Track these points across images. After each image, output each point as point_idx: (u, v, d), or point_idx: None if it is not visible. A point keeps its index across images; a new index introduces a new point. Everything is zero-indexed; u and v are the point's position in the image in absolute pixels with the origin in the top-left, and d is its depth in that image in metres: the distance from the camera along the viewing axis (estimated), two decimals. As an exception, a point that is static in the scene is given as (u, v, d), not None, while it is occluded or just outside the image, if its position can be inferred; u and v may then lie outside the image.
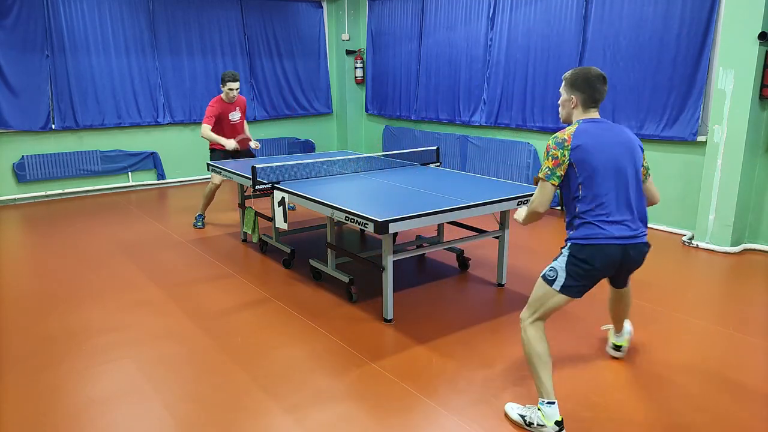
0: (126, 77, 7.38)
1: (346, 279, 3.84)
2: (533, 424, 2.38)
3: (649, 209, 6.01)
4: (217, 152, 5.72)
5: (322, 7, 8.98)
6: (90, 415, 2.57)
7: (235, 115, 5.71)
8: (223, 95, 5.62)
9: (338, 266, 4.06)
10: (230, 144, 5.51)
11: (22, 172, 6.82)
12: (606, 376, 2.86)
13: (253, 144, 5.79)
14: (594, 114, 2.44)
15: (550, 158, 2.35)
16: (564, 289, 2.39)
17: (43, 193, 7.04)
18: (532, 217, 2.54)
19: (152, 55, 7.53)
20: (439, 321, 3.51)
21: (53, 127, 6.96)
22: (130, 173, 7.62)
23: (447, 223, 4.09)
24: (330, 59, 9.23)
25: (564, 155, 2.32)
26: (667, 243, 5.14)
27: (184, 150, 7.97)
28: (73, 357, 3.10)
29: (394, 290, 3.65)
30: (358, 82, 9.21)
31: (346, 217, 3.29)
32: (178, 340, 3.29)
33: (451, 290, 4.04)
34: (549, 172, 2.36)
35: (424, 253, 4.77)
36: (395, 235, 4.53)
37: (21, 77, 6.68)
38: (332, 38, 9.19)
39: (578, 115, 2.45)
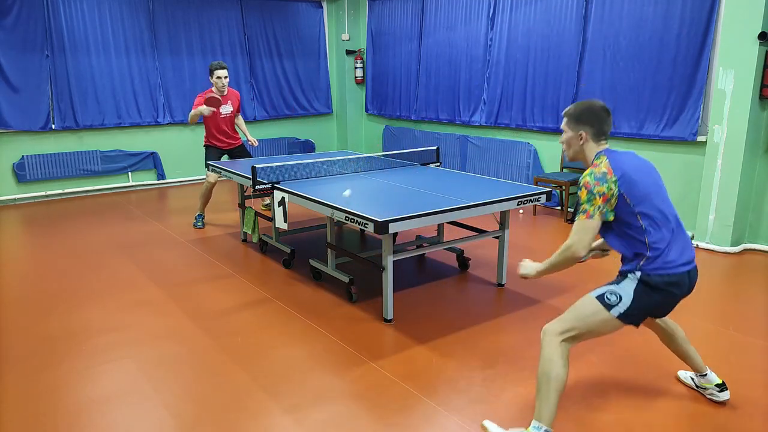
0: (126, 77, 7.38)
1: (346, 279, 3.84)
2: None
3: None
4: (212, 149, 5.72)
5: (322, 7, 8.98)
6: (90, 415, 2.57)
7: (226, 108, 5.64)
8: (213, 88, 5.56)
9: (338, 266, 4.06)
10: (203, 109, 5.32)
11: (22, 172, 6.82)
12: (606, 376, 2.86)
13: (251, 141, 5.87)
14: (606, 146, 2.32)
15: (597, 196, 2.13)
16: (625, 317, 2.19)
17: (43, 193, 7.04)
18: (564, 262, 2.33)
19: (152, 55, 7.53)
20: (439, 321, 3.51)
21: (53, 127, 6.97)
22: (130, 173, 7.62)
23: (447, 223, 4.09)
24: (330, 59, 9.23)
25: (611, 189, 2.13)
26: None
27: (184, 150, 7.98)
28: (73, 357, 3.10)
29: (394, 290, 3.65)
30: (358, 82, 9.21)
31: (346, 217, 3.29)
32: (178, 340, 3.29)
33: (451, 290, 4.04)
34: (604, 210, 2.15)
35: (424, 253, 4.77)
36: (395, 235, 4.53)
37: (21, 77, 6.68)
38: (332, 38, 9.19)
39: (592, 149, 2.31)
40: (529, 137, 6.68)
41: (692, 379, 2.71)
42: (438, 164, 5.02)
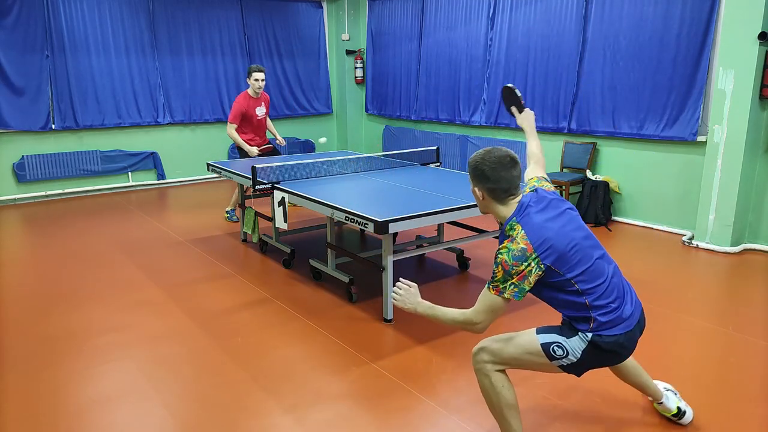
0: (126, 77, 7.38)
1: (346, 279, 3.84)
2: None
3: (650, 209, 6.01)
4: (245, 152, 5.79)
5: (322, 7, 8.98)
6: (90, 415, 2.57)
7: (261, 110, 5.76)
8: (249, 90, 5.66)
9: (338, 266, 4.06)
10: (253, 151, 5.62)
11: (22, 172, 6.82)
12: (606, 375, 2.86)
13: (279, 141, 5.95)
14: (515, 202, 2.01)
15: (513, 276, 1.89)
16: (568, 369, 2.03)
17: (43, 193, 7.04)
18: (457, 327, 2.12)
19: (152, 55, 7.53)
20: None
21: (53, 127, 6.97)
22: (130, 173, 7.62)
23: (447, 223, 4.09)
24: (330, 59, 9.23)
25: (530, 266, 1.89)
26: (667, 243, 5.14)
27: (184, 150, 7.98)
28: (73, 357, 3.10)
29: (394, 290, 3.64)
30: (358, 82, 9.21)
31: (346, 217, 3.29)
32: (178, 340, 3.29)
33: (451, 290, 4.04)
34: (516, 290, 1.90)
35: (424, 253, 4.77)
36: (395, 235, 4.53)
37: (21, 77, 6.68)
38: (332, 38, 9.19)
39: (499, 208, 2.04)
40: (529, 137, 6.67)
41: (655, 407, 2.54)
42: (438, 164, 5.02)
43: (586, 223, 5.75)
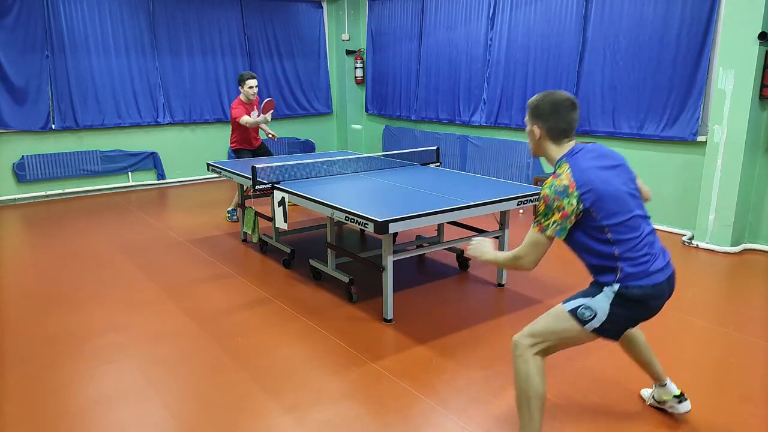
0: (126, 77, 7.38)
1: (346, 279, 3.84)
2: None
3: (650, 209, 6.00)
4: (244, 152, 5.82)
5: (322, 7, 8.98)
6: (91, 415, 2.57)
7: (254, 114, 5.83)
8: (242, 96, 5.71)
9: (338, 266, 4.06)
10: (267, 117, 5.66)
11: (22, 172, 6.82)
12: (606, 375, 2.86)
13: (271, 136, 5.98)
14: (569, 145, 2.09)
15: (555, 211, 1.95)
16: (601, 331, 2.05)
17: (43, 193, 7.04)
18: (511, 267, 2.13)
19: (152, 56, 7.53)
20: (439, 321, 3.51)
21: (53, 127, 6.97)
22: (130, 173, 7.62)
23: (447, 223, 4.09)
24: (330, 59, 9.23)
25: (572, 204, 1.94)
26: (667, 243, 5.13)
27: (184, 150, 7.98)
28: (73, 357, 3.10)
29: (394, 290, 3.65)
30: (358, 82, 9.21)
31: (346, 217, 3.29)
32: (178, 340, 3.29)
33: (451, 290, 4.04)
34: (558, 228, 1.97)
35: (424, 253, 4.77)
36: (395, 235, 4.53)
37: (21, 77, 6.68)
38: (332, 38, 9.19)
39: (552, 148, 2.10)
40: (529, 137, 6.67)
41: (652, 396, 2.57)
42: (438, 164, 5.02)
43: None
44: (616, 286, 2.00)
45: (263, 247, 4.94)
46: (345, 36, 9.04)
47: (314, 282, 4.19)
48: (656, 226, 5.54)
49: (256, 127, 5.90)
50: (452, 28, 7.43)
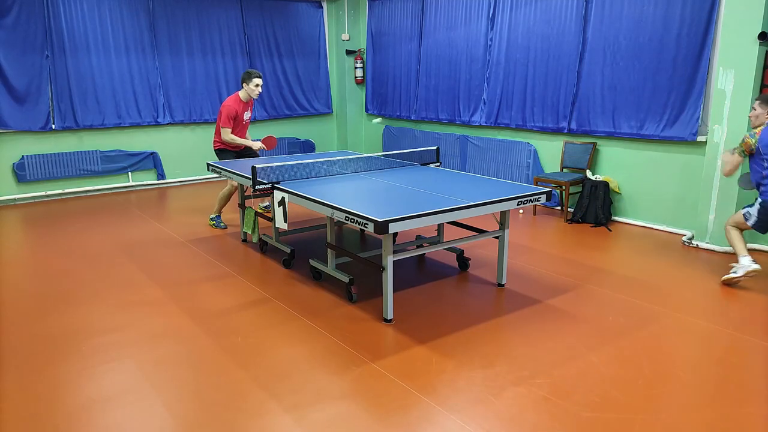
0: (126, 77, 7.38)
1: (346, 279, 3.84)
2: None
3: (650, 209, 6.00)
4: (227, 153, 5.66)
5: (322, 7, 8.98)
6: (90, 415, 2.57)
7: (248, 114, 5.69)
8: (242, 93, 5.54)
9: (338, 266, 4.06)
10: (257, 144, 5.59)
11: (22, 172, 6.82)
12: (606, 375, 2.86)
13: (258, 145, 5.77)
14: None
15: (744, 143, 3.90)
16: (754, 225, 3.93)
17: (43, 193, 7.04)
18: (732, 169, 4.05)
19: (152, 55, 7.54)
20: (439, 321, 3.51)
21: (53, 127, 6.97)
22: (130, 173, 7.62)
23: (447, 223, 4.09)
24: (330, 59, 9.23)
25: (753, 139, 3.88)
26: (667, 243, 5.15)
27: (184, 150, 7.98)
28: (73, 357, 3.10)
29: (394, 290, 3.65)
30: (358, 82, 9.22)
31: (346, 217, 3.29)
32: (178, 340, 3.29)
33: (451, 290, 4.04)
34: (742, 147, 3.95)
35: (424, 253, 4.77)
36: (395, 235, 4.53)
37: (21, 77, 6.68)
38: (332, 38, 9.20)
39: (764, 119, 3.93)
40: (529, 137, 6.68)
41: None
42: (438, 164, 5.02)
43: (585, 223, 5.79)
44: (761, 199, 3.88)
45: (263, 247, 4.94)
46: (345, 36, 9.04)
47: (314, 282, 4.19)
48: (656, 226, 5.54)
49: (245, 129, 5.71)
50: (452, 28, 7.43)
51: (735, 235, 4.02)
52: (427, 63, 7.88)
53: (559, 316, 3.55)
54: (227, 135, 5.50)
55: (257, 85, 5.50)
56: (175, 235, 5.46)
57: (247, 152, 5.80)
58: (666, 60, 5.22)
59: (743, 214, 3.92)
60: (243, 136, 5.72)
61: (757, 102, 3.93)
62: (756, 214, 3.86)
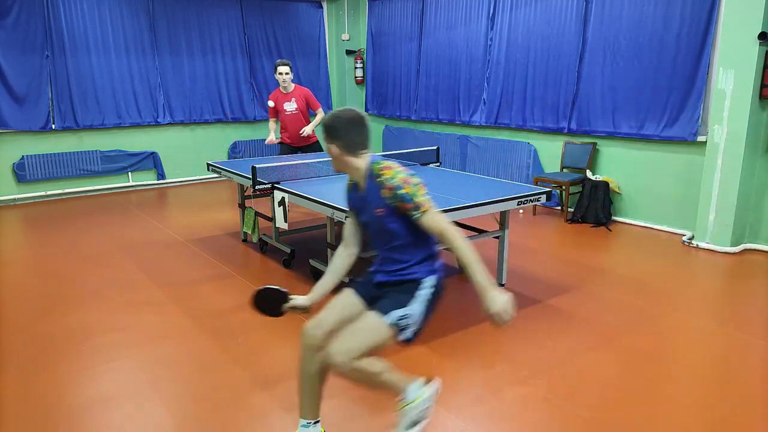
0: (126, 77, 7.38)
1: (345, 279, 3.83)
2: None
3: (650, 209, 5.98)
4: (282, 146, 5.90)
5: (322, 7, 8.98)
6: (90, 414, 2.57)
7: (290, 106, 5.79)
8: (280, 86, 5.78)
9: (338, 266, 4.05)
10: (269, 137, 5.79)
11: (22, 172, 6.82)
12: (606, 375, 2.86)
13: (272, 139, 5.82)
14: (367, 155, 2.16)
15: (419, 186, 2.06)
16: (415, 336, 2.13)
17: (43, 193, 7.04)
18: (470, 255, 2.06)
19: (152, 55, 7.53)
20: (439, 321, 3.50)
21: (53, 127, 6.97)
22: (130, 173, 7.62)
23: (447, 223, 4.08)
24: (330, 59, 9.22)
25: (421, 179, 2.12)
26: (667, 243, 5.14)
27: (184, 150, 7.98)
28: (73, 357, 3.09)
29: (394, 290, 3.64)
30: (358, 82, 9.21)
31: (346, 217, 3.28)
32: (178, 340, 3.29)
33: (451, 290, 4.03)
34: (429, 197, 2.08)
35: (424, 253, 4.76)
36: (395, 235, 4.52)
37: (21, 77, 6.68)
38: (332, 38, 9.19)
39: (357, 161, 2.14)
40: (529, 137, 6.68)
41: None
42: (438, 164, 5.02)
43: (585, 223, 5.78)
44: (434, 278, 2.18)
45: (263, 247, 4.94)
46: (345, 36, 9.04)
47: (314, 282, 4.17)
48: (656, 226, 5.54)
49: (292, 124, 5.79)
50: (452, 28, 7.43)
51: (374, 362, 2.06)
52: (427, 63, 7.88)
53: (559, 316, 3.55)
54: (270, 123, 5.83)
55: (280, 74, 5.67)
56: (175, 235, 5.46)
57: (303, 147, 5.90)
58: (666, 60, 5.22)
59: (397, 324, 2.07)
60: (287, 127, 5.85)
61: (328, 137, 2.25)
62: (422, 314, 2.14)
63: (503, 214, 3.93)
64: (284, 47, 8.64)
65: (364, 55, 9.10)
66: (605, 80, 5.74)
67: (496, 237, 4.01)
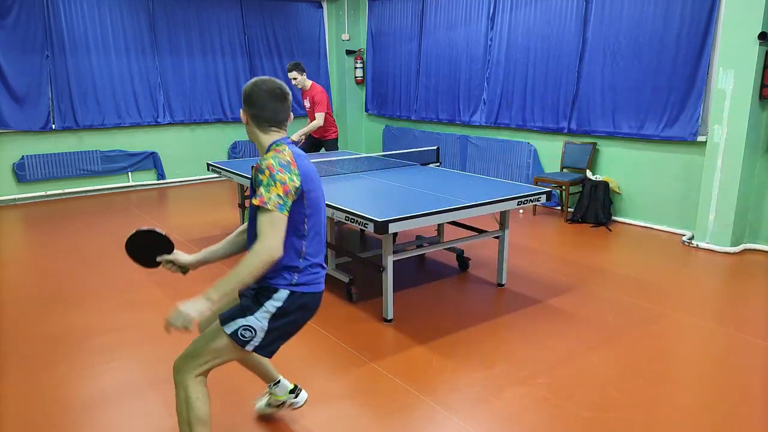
0: (126, 77, 7.38)
1: (346, 279, 3.84)
2: None
3: (650, 209, 5.99)
4: (306, 141, 6.02)
5: (322, 7, 8.98)
6: (90, 414, 2.57)
7: (306, 104, 5.91)
8: None
9: (338, 266, 4.06)
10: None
11: (22, 172, 6.82)
12: (606, 375, 2.86)
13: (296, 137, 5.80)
14: (279, 136, 2.02)
15: (278, 184, 1.83)
16: (261, 350, 1.97)
17: (43, 193, 7.04)
18: (266, 266, 1.83)
19: (152, 55, 7.54)
20: (439, 321, 3.51)
21: (53, 127, 6.97)
22: (130, 173, 7.62)
23: (447, 223, 4.09)
24: (330, 59, 9.23)
25: (294, 181, 1.88)
26: (667, 243, 5.14)
27: (184, 150, 7.98)
28: (73, 357, 3.09)
29: (394, 290, 3.64)
30: (358, 82, 9.21)
31: (346, 217, 3.29)
32: (177, 340, 3.27)
33: (451, 290, 4.04)
34: (281, 201, 1.84)
35: (424, 253, 4.77)
36: (395, 235, 4.53)
37: (21, 77, 6.68)
38: (332, 38, 9.19)
39: (261, 135, 2.00)
40: (529, 137, 6.68)
41: (268, 403, 2.48)
42: (438, 164, 5.02)
43: (585, 223, 5.78)
44: (287, 291, 1.94)
45: (263, 247, 4.93)
46: (345, 36, 9.04)
47: (314, 282, 4.18)
48: (656, 226, 5.54)
49: (308, 116, 5.91)
50: (452, 28, 7.43)
51: (197, 402, 1.98)
52: (427, 63, 7.88)
53: (559, 316, 3.55)
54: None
55: (290, 79, 5.74)
56: (175, 235, 5.46)
57: (329, 146, 6.00)
58: (666, 60, 5.22)
59: (237, 337, 1.94)
60: (327, 126, 5.93)
61: (243, 102, 2.16)
62: (266, 331, 1.96)
63: (503, 214, 3.93)
64: (284, 47, 8.64)
65: (364, 55, 9.10)
66: (605, 80, 5.74)
67: (496, 237, 4.01)
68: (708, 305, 3.78)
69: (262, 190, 1.84)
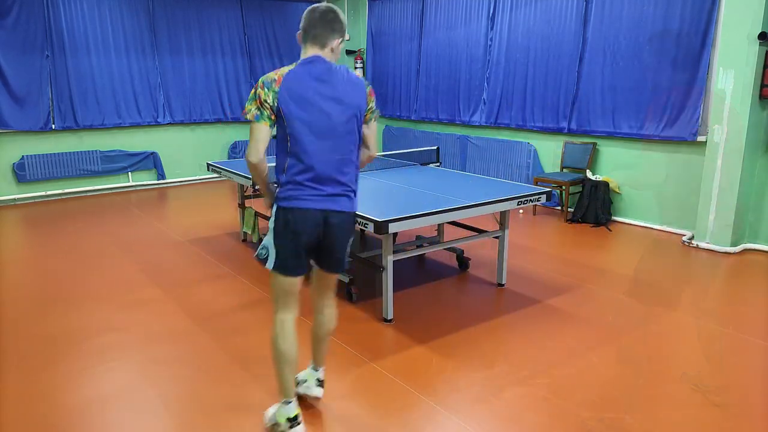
0: (126, 77, 7.38)
1: (346, 279, 3.84)
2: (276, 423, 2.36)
3: (650, 209, 5.99)
4: None
5: (322, 7, 8.97)
6: (90, 415, 2.57)
7: None
8: None
9: (338, 266, 4.04)
10: None
11: (22, 172, 6.82)
12: (606, 375, 2.86)
13: None
14: (313, 52, 2.18)
15: (255, 98, 2.11)
16: (281, 270, 2.21)
17: (43, 193, 7.04)
18: (251, 169, 2.21)
19: (152, 55, 7.53)
20: (439, 321, 3.50)
21: (53, 127, 6.97)
22: (130, 173, 7.62)
23: (447, 223, 4.09)
24: (330, 59, 9.21)
25: (267, 96, 2.08)
26: (667, 243, 5.14)
27: (184, 150, 7.98)
28: (72, 357, 3.09)
29: (394, 290, 3.64)
30: (358, 82, 9.20)
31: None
32: (178, 340, 3.29)
33: (451, 290, 4.04)
34: (258, 113, 2.10)
35: (424, 253, 4.77)
36: (395, 235, 4.53)
37: (21, 77, 6.67)
38: (332, 38, 9.18)
39: (302, 51, 2.22)
40: (529, 137, 6.68)
41: (305, 384, 2.64)
42: (438, 164, 5.02)
43: (585, 223, 5.78)
44: (275, 207, 2.18)
45: (263, 247, 4.93)
46: (345, 36, 9.03)
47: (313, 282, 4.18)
48: (656, 226, 5.54)
49: None
50: (452, 28, 7.43)
51: (275, 339, 2.35)
52: (427, 63, 7.88)
53: (559, 316, 3.55)
54: None
55: None
56: (175, 235, 5.46)
57: None
58: (666, 60, 5.22)
59: (259, 256, 2.26)
60: None
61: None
62: (273, 244, 2.21)
63: (503, 214, 3.93)
64: (284, 47, 8.64)
65: (364, 55, 9.10)
66: (605, 80, 5.74)
67: (496, 237, 4.01)
68: (708, 305, 3.78)
69: (247, 103, 2.15)
